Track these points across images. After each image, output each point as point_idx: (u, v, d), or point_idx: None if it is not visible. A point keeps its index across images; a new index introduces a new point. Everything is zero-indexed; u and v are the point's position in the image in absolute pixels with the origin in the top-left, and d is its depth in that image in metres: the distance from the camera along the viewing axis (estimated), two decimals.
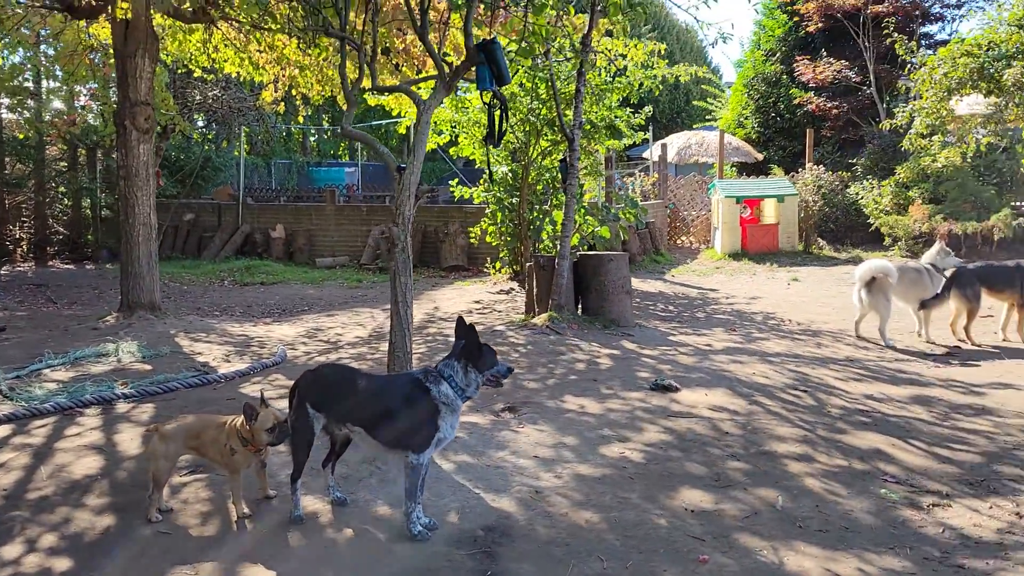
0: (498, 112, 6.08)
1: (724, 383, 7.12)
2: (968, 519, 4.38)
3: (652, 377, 7.23)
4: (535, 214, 13.69)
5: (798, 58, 22.17)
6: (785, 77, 23.07)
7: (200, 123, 19.94)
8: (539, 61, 10.64)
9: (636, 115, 13.14)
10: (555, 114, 12.57)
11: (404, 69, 12.55)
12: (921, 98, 13.44)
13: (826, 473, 5.06)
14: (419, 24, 5.61)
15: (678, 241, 20.40)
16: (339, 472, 4.66)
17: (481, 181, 14.60)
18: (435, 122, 13.70)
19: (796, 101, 22.15)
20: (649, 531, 4.20)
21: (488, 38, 5.65)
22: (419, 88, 7.74)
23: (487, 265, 15.30)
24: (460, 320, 4.03)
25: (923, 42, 21.47)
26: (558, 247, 9.63)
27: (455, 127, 13.91)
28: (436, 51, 5.64)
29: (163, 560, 3.87)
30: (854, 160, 20.34)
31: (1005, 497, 4.66)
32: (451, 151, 14.74)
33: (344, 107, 6.23)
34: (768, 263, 16.49)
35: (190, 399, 6.73)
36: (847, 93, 21.41)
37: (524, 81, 12.05)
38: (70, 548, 3.99)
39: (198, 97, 16.14)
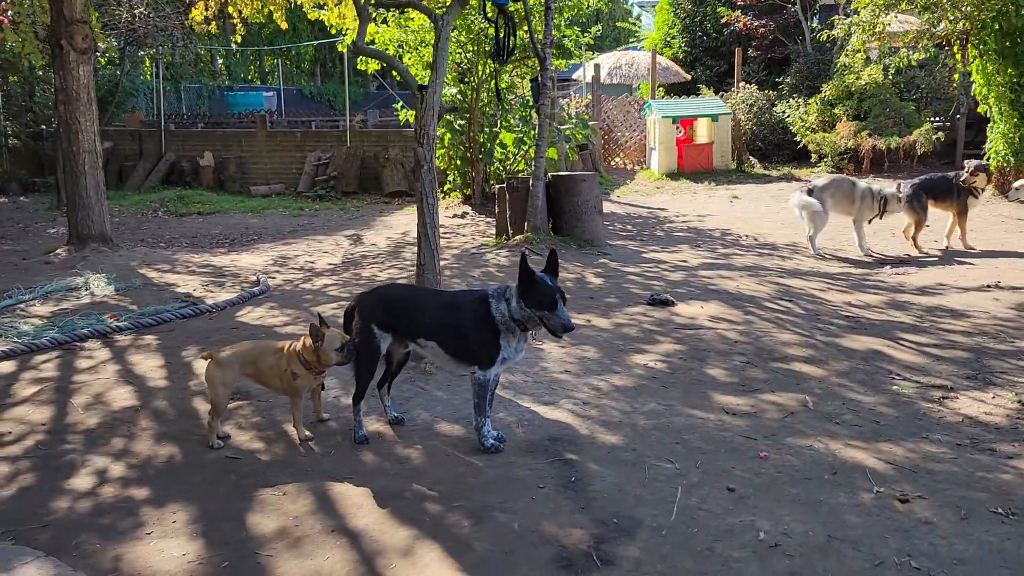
0: (504, 29, 5.99)
1: (715, 296, 7.40)
2: (978, 408, 4.77)
3: (645, 293, 7.45)
4: (483, 137, 13.58)
5: None
6: None
7: (112, 43, 18.71)
8: None
9: (586, 34, 13.09)
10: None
11: None
12: (859, 13, 13.81)
13: (839, 374, 5.39)
14: None
15: (612, 162, 20.59)
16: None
17: None
18: (377, 41, 13.31)
19: (723, 20, 22.36)
20: (703, 433, 4.42)
21: None
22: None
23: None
24: (523, 256, 4.06)
25: None
26: (532, 169, 9.64)
27: (400, 47, 13.56)
28: None
29: (243, 484, 3.87)
30: (780, 79, 20.81)
31: (1002, 388, 5.08)
32: (394, 72, 14.41)
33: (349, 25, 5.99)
34: (705, 182, 16.90)
35: (188, 329, 6.59)
36: (773, 11, 21.73)
37: None
38: (141, 477, 3.94)
39: (124, 15, 15.13)
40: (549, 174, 9.73)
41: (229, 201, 16.39)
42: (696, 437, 4.37)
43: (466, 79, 13.23)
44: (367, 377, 4.29)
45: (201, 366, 4.97)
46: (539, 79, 9.45)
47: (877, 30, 13.69)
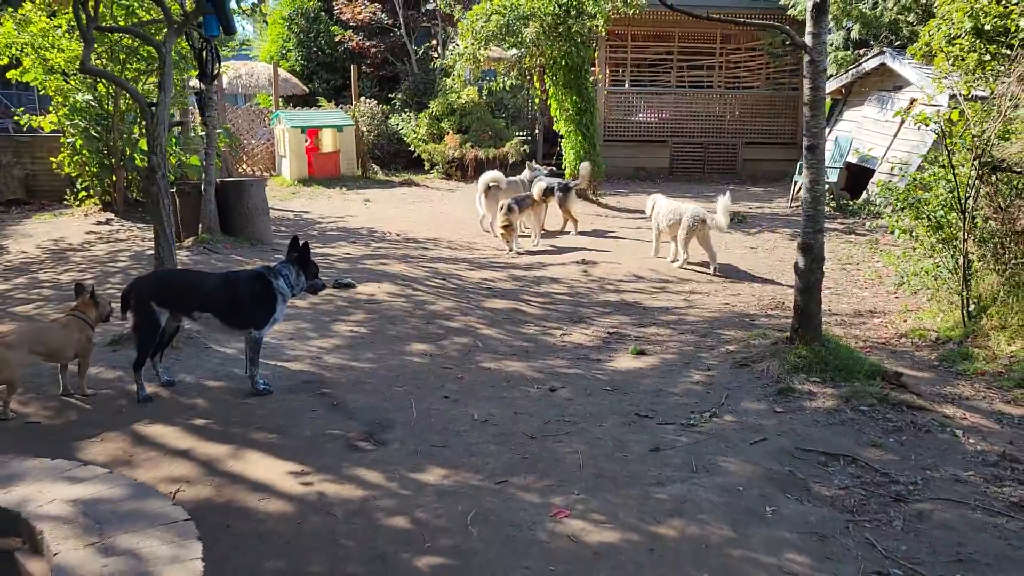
0: (208, 55, 6.95)
1: (386, 279, 9.02)
2: (583, 338, 7.01)
3: (327, 279, 8.79)
4: (122, 143, 13.61)
5: None
6: (324, 14, 24.75)
7: None
8: None
9: (223, 47, 13.82)
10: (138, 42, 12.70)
11: None
12: (461, 45, 16.40)
13: (490, 324, 7.35)
14: None
15: (240, 169, 21.14)
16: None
17: (50, 108, 13.93)
18: None
19: (337, 38, 24.05)
20: (414, 368, 6.03)
21: None
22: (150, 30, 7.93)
23: (67, 196, 14.64)
24: (295, 239, 5.37)
25: None
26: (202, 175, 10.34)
27: (22, 50, 13.06)
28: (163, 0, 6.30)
29: (56, 439, 4.58)
30: (392, 95, 23.08)
31: (592, 325, 7.41)
32: (9, 74, 13.82)
33: None
34: (337, 187, 18.41)
35: None
36: (382, 33, 23.93)
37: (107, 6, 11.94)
38: None
39: None
40: (218, 180, 10.52)
41: None
42: (410, 371, 5.96)
43: (99, 86, 13.18)
44: (148, 347, 5.18)
45: None
46: (204, 93, 10.18)
47: (480, 60, 16.39)
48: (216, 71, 7.00)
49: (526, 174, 12.33)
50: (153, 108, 6.04)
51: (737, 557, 3.48)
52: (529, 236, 11.59)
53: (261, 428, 4.79)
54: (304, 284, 5.41)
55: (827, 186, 15.11)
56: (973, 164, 6.56)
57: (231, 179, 11.22)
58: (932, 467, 4.41)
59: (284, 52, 25.49)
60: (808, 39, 5.54)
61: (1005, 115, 6.34)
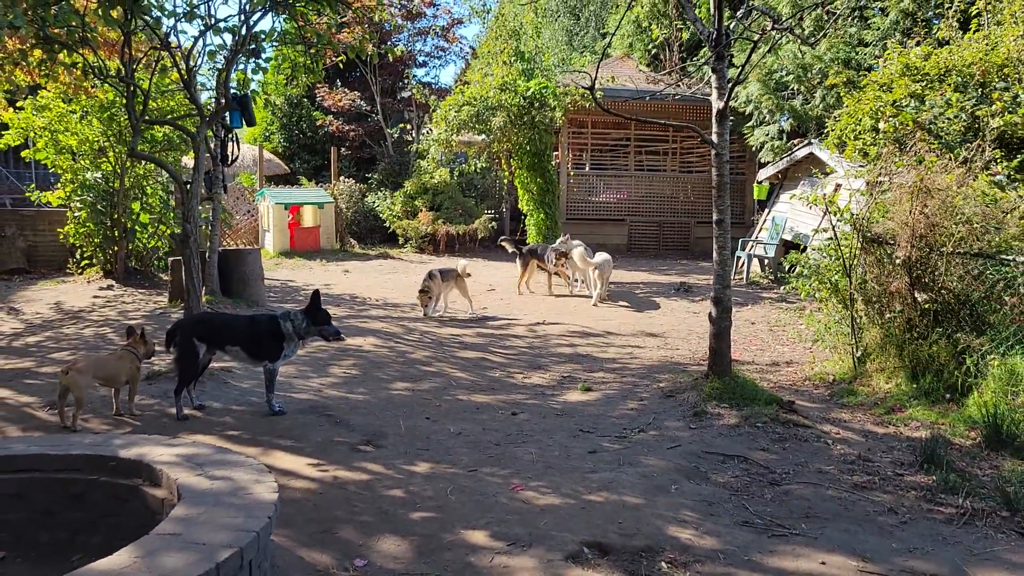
0: (230, 142, 8.37)
1: (370, 334, 10.32)
2: (541, 380, 8.34)
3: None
4: (126, 218, 14.90)
5: (318, 85, 25.89)
6: (306, 100, 26.58)
7: None
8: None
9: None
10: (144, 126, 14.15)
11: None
12: (434, 132, 18.09)
13: (462, 369, 8.66)
14: (186, 79, 7.63)
15: (224, 243, 22.45)
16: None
17: (59, 184, 15.23)
18: (13, 125, 14.13)
19: (318, 122, 25.81)
20: (400, 399, 7.31)
21: (244, 92, 7.93)
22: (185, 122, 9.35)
23: (69, 265, 15.81)
24: (315, 292, 6.64)
25: (414, 80, 26.89)
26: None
27: (36, 132, 14.43)
28: (198, 99, 7.73)
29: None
30: (369, 175, 24.72)
31: (549, 371, 8.74)
32: (24, 154, 15.20)
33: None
34: (317, 259, 19.77)
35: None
36: (360, 118, 25.75)
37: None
38: None
39: None
40: (219, 249, 11.83)
41: None
42: (397, 401, 7.24)
43: (103, 164, 14.51)
44: (189, 375, 6.43)
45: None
46: (212, 172, 11.54)
47: (452, 145, 18.07)
48: (236, 156, 8.44)
49: (571, 243, 14.11)
50: (188, 185, 7.40)
51: (645, 512, 4.78)
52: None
53: (281, 436, 6.03)
54: (311, 329, 6.47)
55: (767, 260, 16.87)
56: (856, 237, 8.11)
57: (231, 248, 12.51)
58: (803, 463, 5.77)
59: (268, 135, 27.14)
60: (714, 137, 7.09)
61: (875, 198, 7.92)
